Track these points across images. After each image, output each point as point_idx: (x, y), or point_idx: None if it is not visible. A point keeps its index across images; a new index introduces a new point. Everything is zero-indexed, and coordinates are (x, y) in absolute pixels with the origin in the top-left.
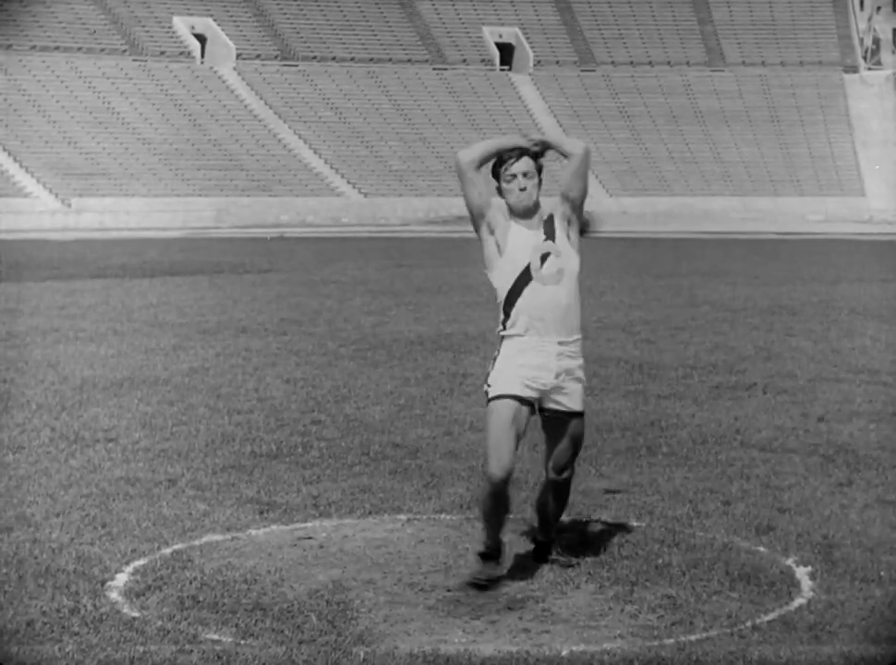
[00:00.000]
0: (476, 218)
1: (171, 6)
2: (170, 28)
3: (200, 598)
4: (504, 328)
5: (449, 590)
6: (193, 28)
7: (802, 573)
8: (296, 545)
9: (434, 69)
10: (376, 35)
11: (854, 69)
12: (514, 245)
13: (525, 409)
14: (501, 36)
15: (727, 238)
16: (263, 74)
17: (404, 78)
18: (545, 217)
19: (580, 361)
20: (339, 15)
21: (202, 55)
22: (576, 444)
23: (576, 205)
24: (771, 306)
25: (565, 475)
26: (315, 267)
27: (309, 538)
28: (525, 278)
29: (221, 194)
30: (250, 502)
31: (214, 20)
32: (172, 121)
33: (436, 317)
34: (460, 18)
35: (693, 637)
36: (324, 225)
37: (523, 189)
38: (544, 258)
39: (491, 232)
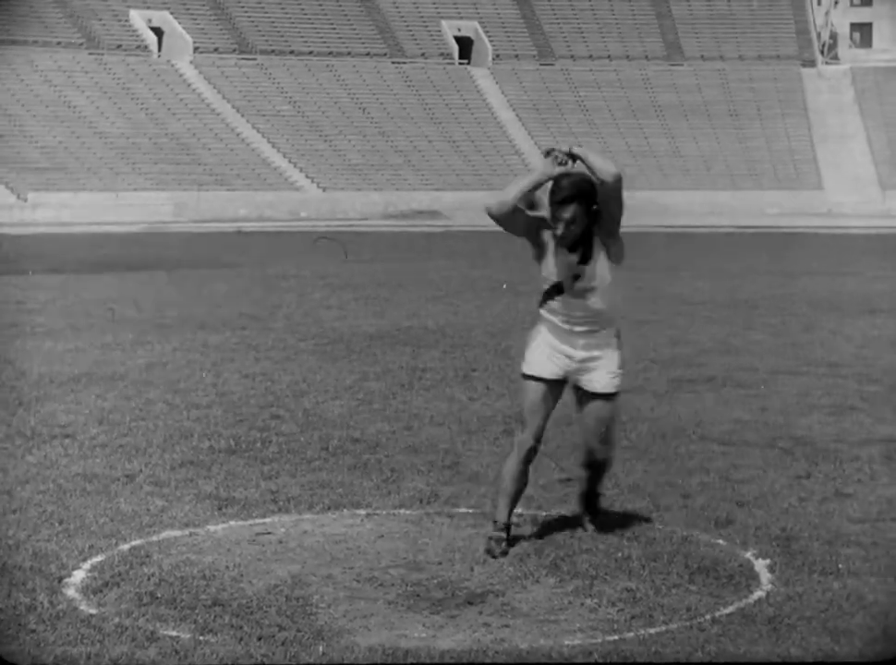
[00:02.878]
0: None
1: None
2: (127, 21)
3: (158, 595)
4: (541, 307)
5: (409, 585)
6: (150, 21)
7: (761, 565)
8: (254, 541)
9: (393, 63)
10: (334, 28)
11: (812, 64)
12: (552, 263)
13: (548, 388)
14: (460, 30)
15: (686, 232)
16: (221, 67)
17: (362, 72)
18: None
19: (609, 350)
20: (297, 8)
21: (159, 49)
22: (601, 425)
23: (609, 230)
24: (731, 299)
25: (596, 456)
26: (274, 262)
27: (268, 533)
28: (556, 291)
29: (179, 188)
30: (209, 498)
31: (171, 13)
32: (129, 115)
33: (395, 311)
34: (419, 12)
35: (652, 631)
36: (283, 220)
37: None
38: (576, 277)
39: (538, 245)
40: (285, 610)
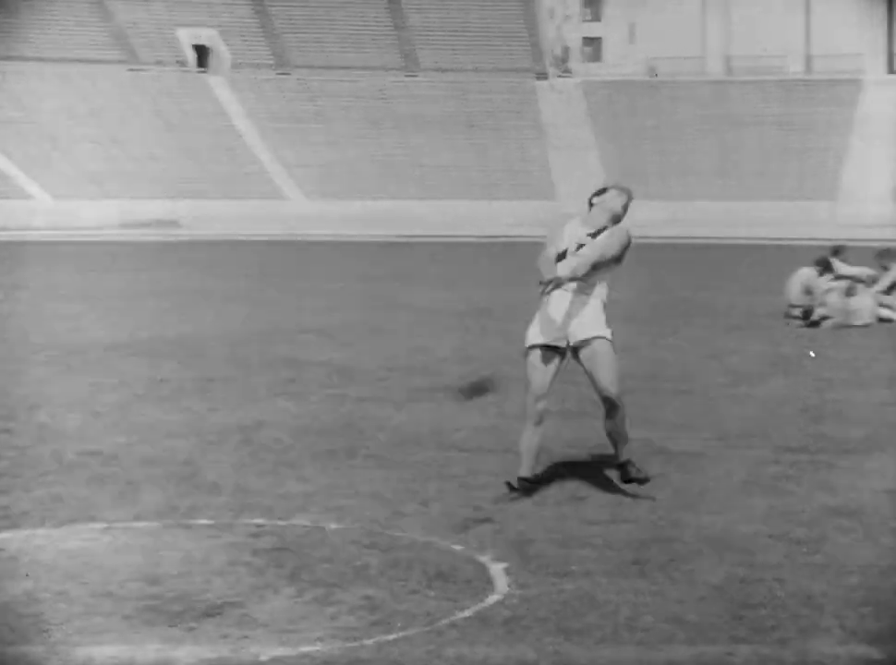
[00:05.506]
0: None
1: None
2: None
3: None
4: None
5: (146, 599)
6: None
7: (497, 569)
8: None
9: (129, 70)
10: (67, 34)
11: (545, 76)
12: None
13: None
14: (197, 38)
15: (427, 242)
16: None
17: (96, 79)
18: None
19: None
20: (27, 12)
21: None
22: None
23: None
24: (468, 308)
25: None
26: (5, 272)
27: (0, 549)
28: None
29: None
30: None
31: None
32: None
33: (131, 322)
34: (154, 19)
35: (391, 637)
36: (15, 229)
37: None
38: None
39: None
40: (18, 627)
